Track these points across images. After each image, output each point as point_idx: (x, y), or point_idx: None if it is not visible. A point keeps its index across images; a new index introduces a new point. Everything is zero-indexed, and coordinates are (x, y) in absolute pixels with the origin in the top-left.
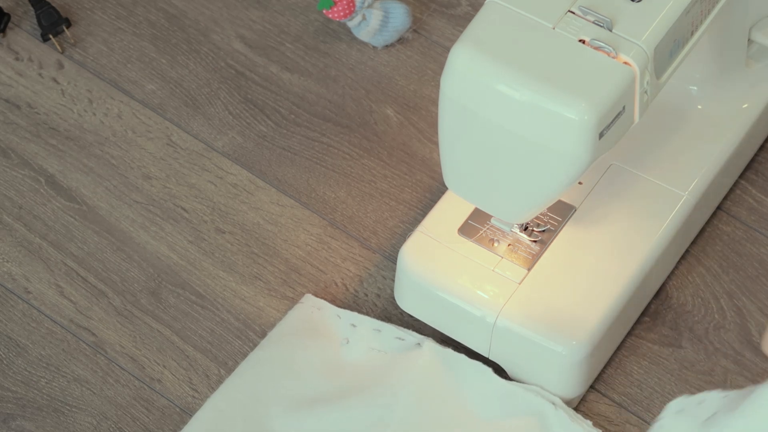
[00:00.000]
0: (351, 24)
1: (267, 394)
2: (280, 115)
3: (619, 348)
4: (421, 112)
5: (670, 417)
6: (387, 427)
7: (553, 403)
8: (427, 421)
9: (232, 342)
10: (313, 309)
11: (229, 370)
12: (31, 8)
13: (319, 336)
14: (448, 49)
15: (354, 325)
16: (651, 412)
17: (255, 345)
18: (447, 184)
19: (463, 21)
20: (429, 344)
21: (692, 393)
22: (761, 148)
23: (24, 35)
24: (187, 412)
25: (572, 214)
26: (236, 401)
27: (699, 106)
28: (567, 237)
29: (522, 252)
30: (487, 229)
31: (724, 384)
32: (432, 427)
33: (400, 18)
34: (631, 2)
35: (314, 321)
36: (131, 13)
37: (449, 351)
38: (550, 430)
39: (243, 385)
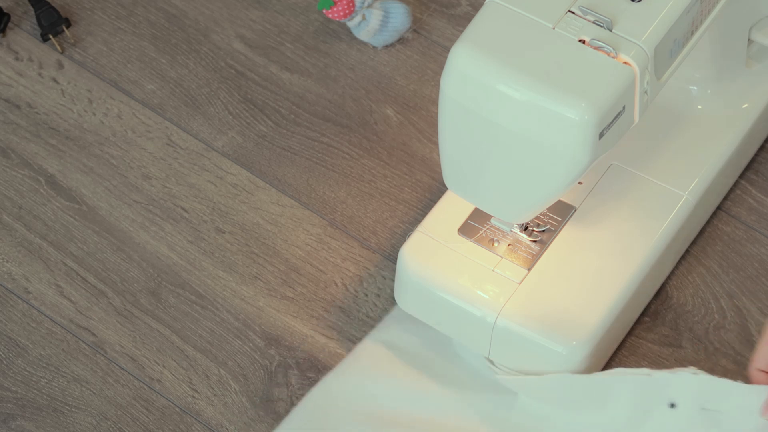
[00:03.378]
0: (351, 24)
1: (371, 373)
2: (280, 115)
3: (619, 348)
4: (421, 112)
5: None
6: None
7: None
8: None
9: (232, 342)
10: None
11: (229, 370)
12: (31, 8)
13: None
14: (448, 49)
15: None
16: None
17: (255, 345)
18: (447, 184)
19: (463, 21)
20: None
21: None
22: (761, 148)
23: (24, 35)
24: (187, 412)
25: (572, 214)
26: (347, 382)
27: (699, 106)
28: (567, 237)
29: (522, 252)
30: (487, 229)
31: None
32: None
33: (400, 18)
34: (631, 2)
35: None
36: (131, 13)
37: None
38: None
39: (352, 366)
